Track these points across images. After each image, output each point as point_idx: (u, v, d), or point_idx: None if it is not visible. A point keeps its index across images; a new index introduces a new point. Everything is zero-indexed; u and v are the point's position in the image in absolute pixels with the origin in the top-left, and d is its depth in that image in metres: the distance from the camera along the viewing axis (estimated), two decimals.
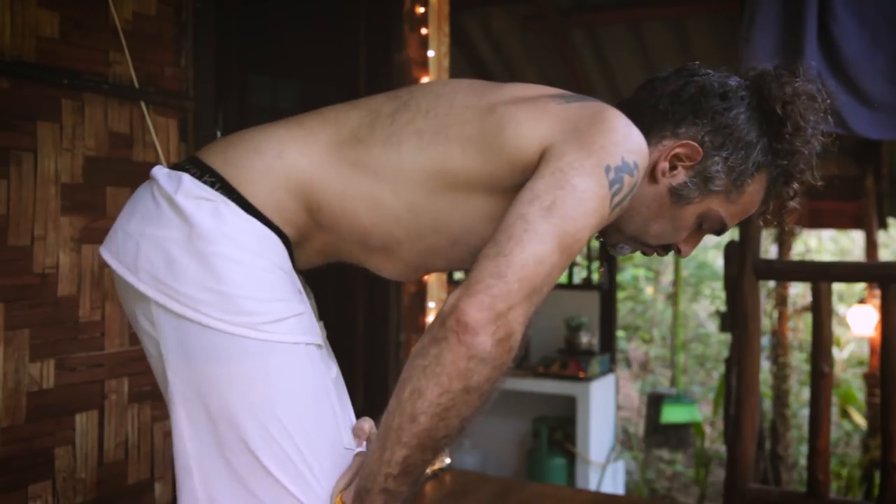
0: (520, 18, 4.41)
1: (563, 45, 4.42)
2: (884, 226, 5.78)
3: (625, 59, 4.55)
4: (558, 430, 4.46)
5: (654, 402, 5.07)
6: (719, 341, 7.83)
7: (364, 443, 1.09)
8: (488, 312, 0.86)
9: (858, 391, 5.73)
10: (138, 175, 2.04)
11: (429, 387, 0.87)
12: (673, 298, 6.25)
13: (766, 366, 4.55)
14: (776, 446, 4.46)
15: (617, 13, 4.13)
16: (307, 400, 1.00)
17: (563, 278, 5.04)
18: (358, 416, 1.15)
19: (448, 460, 3.27)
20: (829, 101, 1.12)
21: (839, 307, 7.01)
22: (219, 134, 2.93)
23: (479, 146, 1.02)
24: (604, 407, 4.59)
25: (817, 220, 5.66)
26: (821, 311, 2.68)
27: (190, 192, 1.01)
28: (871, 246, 5.23)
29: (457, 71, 3.74)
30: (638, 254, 1.22)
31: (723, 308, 6.01)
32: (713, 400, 5.75)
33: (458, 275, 4.02)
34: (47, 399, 1.88)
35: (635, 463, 5.73)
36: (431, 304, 3.26)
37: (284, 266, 1.04)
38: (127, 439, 2.07)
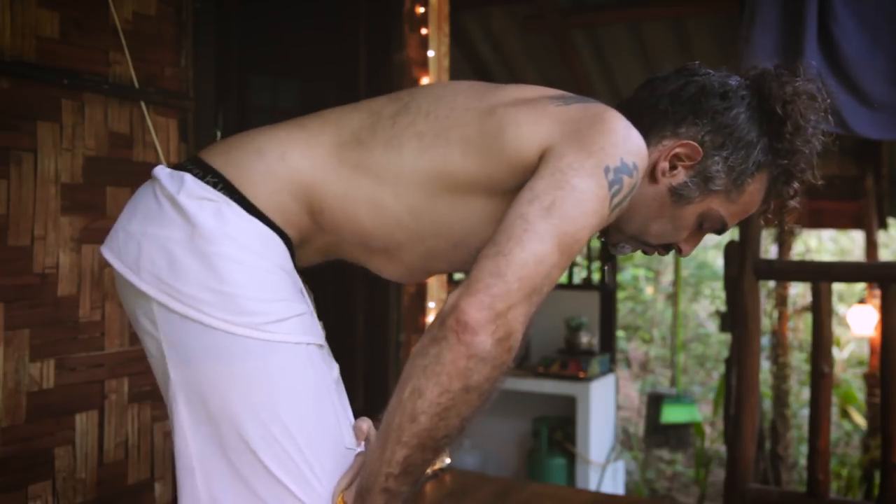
0: (520, 18, 4.41)
1: (563, 45, 4.42)
2: (884, 226, 5.78)
3: (625, 59, 4.55)
4: (558, 430, 4.46)
5: (654, 402, 5.07)
6: (719, 341, 7.83)
7: (363, 443, 1.09)
8: (488, 312, 0.86)
9: (858, 391, 5.73)
10: (138, 175, 2.04)
11: (429, 386, 0.87)
12: (673, 298, 6.25)
13: (766, 366, 4.55)
14: (776, 446, 4.46)
15: (617, 13, 4.13)
16: (309, 400, 1.00)
17: (564, 278, 5.04)
18: (357, 416, 1.15)
19: (448, 460, 3.27)
20: (829, 100, 1.12)
21: (839, 307, 7.01)
22: (219, 134, 2.93)
23: (478, 148, 1.02)
24: (604, 407, 4.60)
25: (817, 220, 5.66)
26: (821, 311, 2.68)
27: (192, 192, 1.01)
28: (871, 246, 5.23)
29: (457, 71, 3.74)
30: (638, 254, 1.22)
31: (723, 308, 6.01)
32: (713, 400, 5.75)
33: (458, 275, 4.02)
34: (47, 399, 1.88)
35: (635, 463, 5.73)
36: (431, 305, 3.26)
37: (286, 266, 1.04)
38: (127, 439, 2.07)
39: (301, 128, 1.10)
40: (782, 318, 4.64)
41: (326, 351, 1.11)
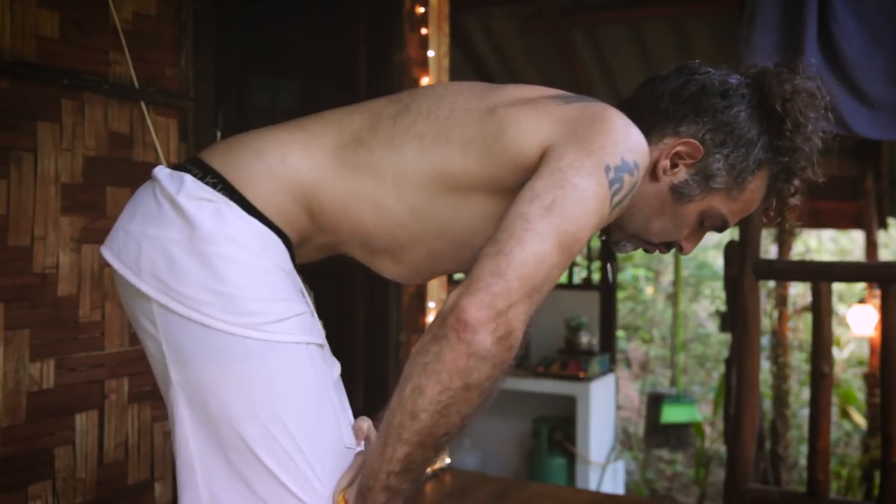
0: (520, 18, 4.41)
1: (563, 45, 4.42)
2: (884, 226, 5.78)
3: (625, 59, 4.55)
4: (558, 430, 4.46)
5: (654, 402, 5.07)
6: (719, 341, 7.83)
7: (363, 442, 1.09)
8: (488, 310, 0.86)
9: (858, 391, 5.73)
10: (138, 175, 2.04)
11: (429, 384, 0.88)
12: (673, 298, 6.25)
13: (766, 366, 4.55)
14: (776, 446, 4.46)
15: (617, 13, 4.13)
16: (309, 400, 1.01)
17: (564, 278, 5.04)
18: (357, 416, 1.16)
19: (448, 460, 3.27)
20: (828, 97, 1.12)
21: (839, 307, 7.01)
22: (219, 134, 2.93)
23: (479, 148, 1.02)
24: (604, 407, 4.60)
25: (817, 220, 5.67)
26: (821, 311, 2.68)
27: (192, 192, 1.01)
28: (871, 246, 5.24)
29: (457, 71, 3.74)
30: (638, 253, 1.23)
31: (723, 308, 6.01)
32: (713, 400, 5.75)
33: (458, 275, 4.02)
34: (47, 399, 1.88)
35: (635, 463, 5.73)
36: (431, 305, 3.26)
37: (286, 266, 1.04)
38: (127, 439, 2.07)
39: (301, 129, 1.10)
40: (782, 318, 4.64)
41: (327, 350, 1.11)
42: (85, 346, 1.97)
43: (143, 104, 2.09)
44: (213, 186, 1.02)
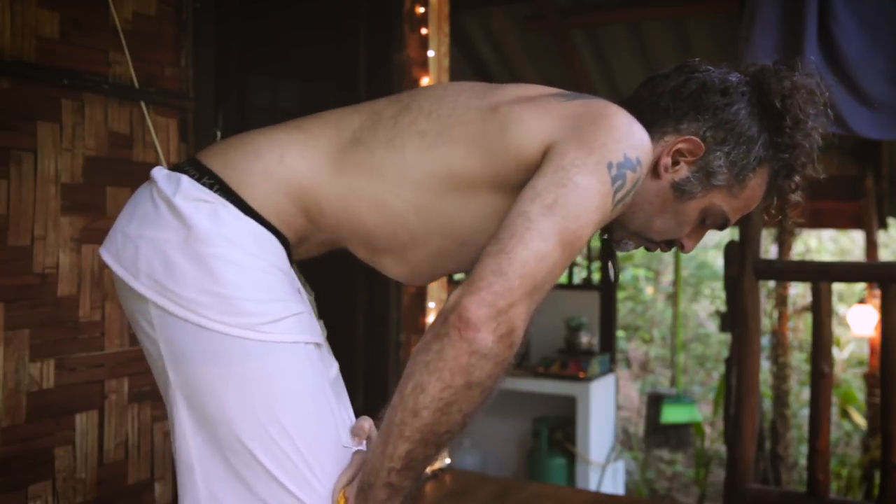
0: (520, 18, 4.41)
1: (563, 45, 4.42)
2: (884, 226, 5.78)
3: (625, 59, 4.55)
4: (558, 430, 4.46)
5: (654, 402, 5.07)
6: (719, 341, 7.83)
7: (364, 442, 1.09)
8: (489, 309, 0.86)
9: (858, 391, 5.73)
10: (138, 175, 2.04)
11: (431, 382, 0.88)
12: (673, 298, 6.26)
13: (766, 366, 4.55)
14: (776, 446, 4.46)
15: (617, 13, 4.13)
16: (306, 400, 1.01)
17: (564, 278, 5.05)
18: (357, 416, 1.16)
19: (448, 460, 3.27)
20: (827, 93, 1.12)
21: (839, 307, 7.01)
22: (219, 134, 2.93)
23: (482, 146, 1.02)
24: (604, 407, 4.59)
25: (817, 220, 5.66)
26: (821, 311, 2.68)
27: (188, 193, 1.01)
28: (871, 246, 5.24)
29: (457, 71, 3.74)
30: (638, 253, 1.23)
31: (723, 308, 6.01)
32: (713, 400, 5.75)
33: (457, 276, 4.02)
34: (47, 399, 1.88)
35: (635, 463, 5.73)
36: (431, 305, 3.26)
37: (283, 266, 1.05)
38: (127, 439, 2.07)
39: (300, 129, 1.10)
40: (782, 318, 4.64)
41: (325, 349, 1.11)
42: (85, 346, 1.97)
43: (143, 104, 2.09)
44: (210, 187, 1.02)
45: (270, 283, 1.01)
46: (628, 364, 8.24)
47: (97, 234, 1.98)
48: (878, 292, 3.01)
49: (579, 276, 5.26)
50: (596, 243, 4.84)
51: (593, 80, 4.69)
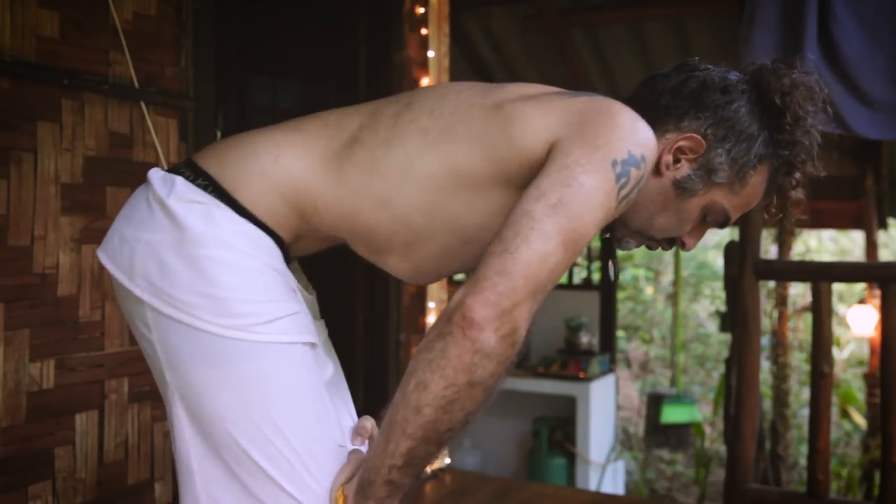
0: (520, 18, 4.41)
1: (563, 45, 4.42)
2: (884, 226, 5.79)
3: (625, 59, 4.55)
4: (558, 430, 4.46)
5: (654, 402, 5.07)
6: (719, 341, 7.83)
7: (367, 441, 1.09)
8: (493, 309, 0.87)
9: (858, 391, 5.73)
10: (138, 175, 2.03)
11: (434, 379, 0.88)
12: (673, 298, 6.26)
13: (766, 366, 4.55)
14: (776, 446, 4.46)
15: (617, 13, 4.13)
16: (302, 400, 1.01)
17: (564, 278, 5.04)
18: (357, 416, 1.16)
19: (448, 460, 3.27)
20: (826, 91, 1.13)
21: (839, 307, 7.01)
22: (219, 134, 2.93)
23: (486, 143, 1.02)
24: (604, 407, 4.59)
25: (817, 220, 5.67)
26: (821, 311, 2.68)
27: (182, 195, 1.02)
28: (871, 246, 5.24)
29: (457, 71, 3.74)
30: (638, 253, 1.23)
31: (723, 308, 6.01)
32: (713, 400, 5.75)
33: (458, 276, 4.02)
34: (47, 399, 1.88)
35: (635, 463, 5.73)
36: (431, 305, 3.26)
37: (278, 266, 1.05)
38: (127, 439, 2.07)
39: (298, 130, 1.10)
40: (782, 318, 4.64)
41: (321, 349, 1.11)
42: (85, 346, 1.97)
43: (143, 104, 2.09)
44: (204, 189, 1.03)
45: (265, 284, 1.01)
46: (628, 364, 8.24)
47: (97, 234, 1.98)
48: (878, 292, 3.01)
49: (579, 276, 5.26)
50: (596, 243, 4.84)
51: (593, 80, 4.69)
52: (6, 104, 1.80)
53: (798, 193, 1.16)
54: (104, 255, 1.05)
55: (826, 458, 2.62)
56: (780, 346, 4.66)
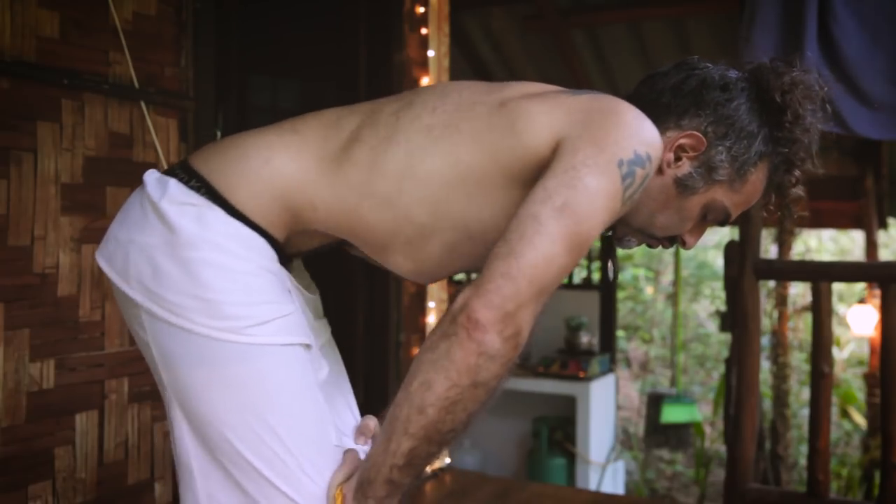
0: (520, 18, 4.41)
1: (563, 45, 4.42)
2: (884, 226, 5.79)
3: (625, 59, 4.55)
4: (558, 430, 4.46)
5: (654, 402, 5.07)
6: (719, 341, 7.83)
7: (370, 441, 1.09)
8: (498, 312, 0.87)
9: (858, 391, 5.73)
10: (138, 175, 2.00)
11: (438, 380, 0.88)
12: (673, 298, 6.26)
13: (766, 366, 4.55)
14: (776, 446, 4.46)
15: (617, 13, 4.13)
16: (295, 400, 1.01)
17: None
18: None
19: (448, 460, 3.27)
20: (826, 89, 1.13)
21: (839, 307, 7.01)
22: (219, 134, 2.93)
23: (490, 140, 1.02)
24: (604, 407, 4.60)
25: (817, 220, 5.67)
26: (821, 311, 2.68)
27: (175, 198, 1.02)
28: (871, 246, 5.24)
29: (457, 71, 3.74)
30: (638, 253, 1.23)
31: (723, 308, 6.01)
32: (713, 400, 5.75)
33: (458, 276, 4.02)
34: (47, 399, 1.88)
35: (635, 463, 5.73)
36: (431, 305, 3.26)
37: (272, 267, 1.04)
38: (127, 439, 2.07)
39: (293, 131, 1.09)
40: (782, 318, 4.64)
41: (317, 350, 1.11)
42: (85, 346, 1.97)
43: (143, 104, 2.09)
44: (197, 190, 1.03)
45: (258, 286, 1.01)
46: (628, 364, 8.24)
47: (97, 234, 1.98)
48: (878, 292, 3.01)
49: (579, 276, 5.26)
50: (596, 243, 4.84)
51: (593, 80, 4.69)
52: (6, 104, 1.80)
53: (797, 191, 1.16)
54: (101, 258, 1.06)
55: (826, 458, 2.62)
56: (780, 346, 4.66)
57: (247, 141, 1.09)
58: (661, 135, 1.10)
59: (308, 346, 1.06)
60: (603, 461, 4.50)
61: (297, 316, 1.05)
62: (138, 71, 2.06)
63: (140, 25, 2.08)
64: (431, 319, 3.24)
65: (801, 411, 5.43)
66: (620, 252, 6.57)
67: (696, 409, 5.03)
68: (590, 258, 5.12)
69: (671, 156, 1.10)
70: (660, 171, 1.10)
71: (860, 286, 5.59)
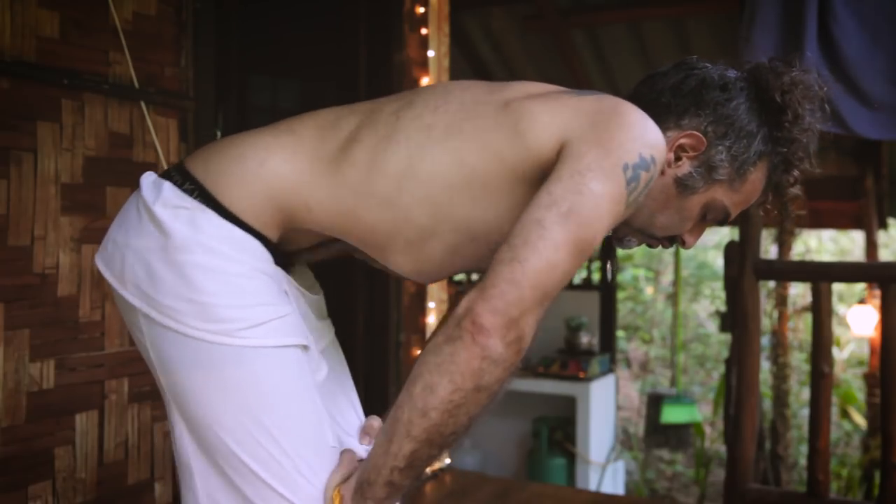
0: (520, 18, 4.41)
1: (563, 45, 4.42)
2: (884, 226, 5.78)
3: (625, 58, 4.55)
4: (558, 430, 4.46)
5: (654, 402, 5.07)
6: (719, 341, 7.83)
7: (373, 441, 1.09)
8: (502, 317, 0.87)
9: (858, 391, 5.73)
10: (138, 175, 1.99)
11: (441, 383, 0.89)
12: (673, 298, 6.26)
13: (766, 366, 4.55)
14: (776, 446, 4.45)
15: (617, 13, 4.13)
16: (291, 402, 1.01)
17: None
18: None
19: (448, 460, 3.27)
20: (825, 88, 1.13)
21: (839, 307, 7.00)
22: (219, 134, 2.93)
23: (495, 140, 1.02)
24: (604, 407, 4.59)
25: (817, 220, 5.66)
26: (821, 311, 2.68)
27: (168, 201, 1.02)
28: (871, 246, 5.24)
29: (457, 71, 3.74)
30: (638, 253, 1.23)
31: (723, 308, 6.01)
32: (713, 400, 5.75)
33: (457, 276, 4.01)
34: (47, 399, 1.88)
35: (635, 463, 5.73)
36: (431, 305, 3.26)
37: (266, 269, 1.04)
38: (127, 439, 2.07)
39: (290, 132, 1.09)
40: (782, 318, 4.64)
41: (313, 352, 1.11)
42: (85, 346, 1.97)
43: (143, 104, 2.09)
44: (190, 193, 1.02)
45: (253, 288, 1.01)
46: (628, 364, 8.24)
47: (97, 234, 1.98)
48: (878, 292, 3.01)
49: (579, 276, 5.26)
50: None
51: (593, 80, 4.69)
52: (6, 104, 1.80)
53: (796, 190, 1.16)
54: (100, 261, 1.06)
55: (826, 458, 2.62)
56: (780, 346, 4.65)
57: (243, 142, 1.08)
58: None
59: (305, 348, 1.06)
60: (603, 461, 4.50)
61: (293, 317, 1.05)
62: (138, 71, 2.06)
63: (140, 25, 2.08)
64: (431, 319, 3.24)
65: (801, 411, 5.43)
66: (621, 252, 6.57)
67: (696, 410, 5.03)
68: (590, 259, 5.12)
69: (671, 156, 1.10)
70: (660, 171, 1.10)
71: (860, 286, 5.59)
